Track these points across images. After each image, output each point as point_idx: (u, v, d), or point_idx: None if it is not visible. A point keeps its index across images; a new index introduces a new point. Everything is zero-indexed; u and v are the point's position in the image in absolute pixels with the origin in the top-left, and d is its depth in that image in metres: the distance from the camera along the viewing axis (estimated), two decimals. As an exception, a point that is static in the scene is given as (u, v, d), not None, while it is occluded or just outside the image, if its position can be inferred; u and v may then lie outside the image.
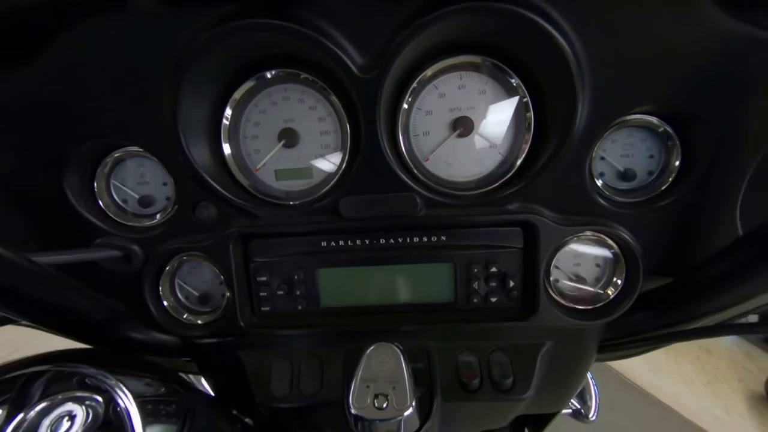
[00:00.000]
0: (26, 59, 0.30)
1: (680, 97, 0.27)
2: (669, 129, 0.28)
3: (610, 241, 0.29)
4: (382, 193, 0.30)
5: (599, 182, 0.30)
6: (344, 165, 0.32)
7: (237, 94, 0.33)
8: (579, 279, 0.31)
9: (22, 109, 0.31)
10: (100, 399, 0.28)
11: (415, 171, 0.31)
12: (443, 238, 0.29)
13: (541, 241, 0.28)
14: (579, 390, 0.53)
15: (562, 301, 0.30)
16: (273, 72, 0.32)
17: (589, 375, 0.53)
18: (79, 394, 0.28)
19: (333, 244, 0.31)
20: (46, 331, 0.37)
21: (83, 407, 0.27)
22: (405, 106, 0.31)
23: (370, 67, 0.29)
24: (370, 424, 0.24)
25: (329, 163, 0.32)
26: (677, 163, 0.28)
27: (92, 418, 0.27)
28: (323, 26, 0.29)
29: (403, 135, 0.31)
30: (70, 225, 0.32)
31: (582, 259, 0.30)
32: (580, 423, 0.61)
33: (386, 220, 0.30)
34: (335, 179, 0.32)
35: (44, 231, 0.33)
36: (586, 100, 0.27)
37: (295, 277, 0.32)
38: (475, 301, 0.30)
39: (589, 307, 0.30)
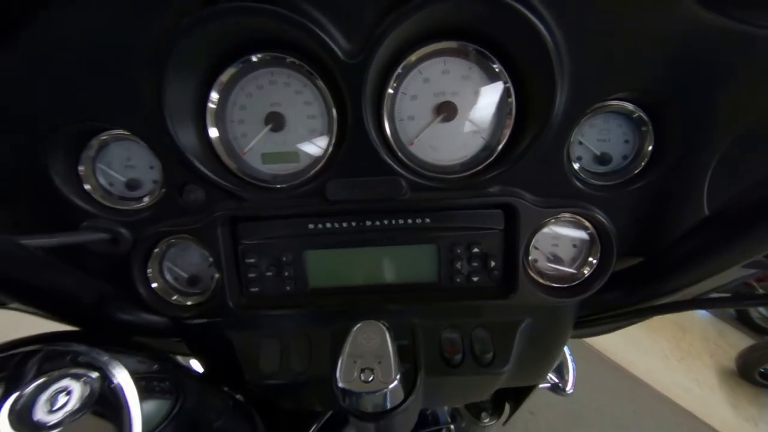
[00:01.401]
0: (3, 42, 0.29)
1: (654, 85, 0.28)
2: (643, 115, 0.29)
3: (587, 223, 0.30)
4: (368, 176, 0.30)
5: (576, 166, 0.31)
6: (331, 149, 0.33)
7: (223, 77, 0.33)
8: (556, 259, 0.32)
9: (2, 94, 0.31)
10: (95, 375, 0.29)
11: (400, 155, 0.31)
12: (427, 220, 0.30)
13: (521, 222, 0.29)
14: (557, 365, 0.55)
15: (540, 280, 0.32)
16: (259, 56, 0.32)
17: (567, 350, 0.56)
18: (74, 371, 0.28)
19: (320, 226, 0.31)
20: (35, 314, 0.37)
21: (80, 383, 0.28)
22: (390, 90, 0.31)
23: (355, 53, 0.29)
24: (357, 397, 0.25)
25: (316, 147, 0.33)
26: (650, 147, 0.29)
27: (89, 393, 0.28)
28: (309, 10, 0.29)
29: (388, 120, 0.31)
30: (57, 209, 0.32)
31: (559, 240, 0.31)
32: (557, 396, 0.67)
33: (372, 203, 0.31)
34: (322, 163, 0.33)
35: (31, 216, 0.33)
36: (564, 87, 0.27)
37: (284, 258, 0.32)
38: (458, 280, 0.31)
39: (565, 286, 0.31)
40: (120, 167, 0.35)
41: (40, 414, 0.25)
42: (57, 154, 0.32)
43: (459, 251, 0.30)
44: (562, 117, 0.28)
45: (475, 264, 0.30)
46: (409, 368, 0.29)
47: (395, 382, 0.25)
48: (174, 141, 0.30)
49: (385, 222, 0.31)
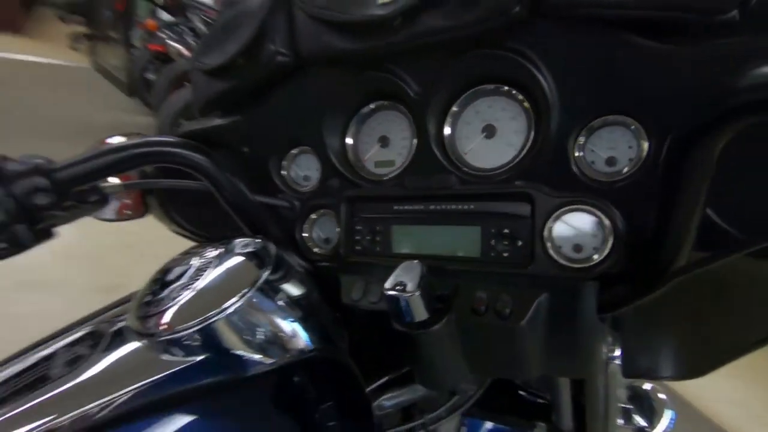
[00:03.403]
0: (252, 106, 0.49)
1: (637, 104, 0.35)
2: (638, 125, 0.35)
3: (599, 213, 0.36)
4: (434, 174, 0.42)
5: (589, 168, 0.38)
6: (410, 158, 0.44)
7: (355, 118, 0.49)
8: (577, 247, 0.39)
9: (252, 130, 0.51)
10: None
11: (456, 162, 0.42)
12: (472, 206, 0.40)
13: (537, 209, 0.37)
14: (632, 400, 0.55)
15: (559, 260, 0.39)
16: (372, 106, 0.47)
17: (664, 399, 0.55)
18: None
19: (401, 208, 0.43)
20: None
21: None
22: (448, 125, 0.43)
23: (423, 97, 0.42)
24: (396, 299, 0.36)
25: (402, 158, 0.45)
26: (647, 151, 0.35)
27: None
28: (396, 70, 0.43)
29: (448, 139, 0.43)
30: (267, 189, 0.51)
31: (579, 230, 0.37)
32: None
33: (435, 191, 0.42)
34: (405, 165, 0.44)
35: (256, 189, 0.50)
36: (557, 110, 0.37)
37: (377, 228, 0.44)
38: (492, 255, 0.39)
39: (578, 266, 0.37)
40: (301, 167, 0.51)
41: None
42: (274, 161, 0.50)
43: (494, 231, 0.39)
44: (558, 131, 0.37)
45: (506, 243, 0.38)
46: (440, 308, 0.38)
47: (417, 293, 0.35)
48: (329, 154, 0.46)
49: (443, 207, 0.41)
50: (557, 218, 0.38)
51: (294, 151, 0.51)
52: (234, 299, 0.34)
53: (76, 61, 5.48)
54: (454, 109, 0.43)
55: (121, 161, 0.40)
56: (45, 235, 0.39)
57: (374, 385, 0.48)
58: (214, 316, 0.33)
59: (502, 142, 0.41)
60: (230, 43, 0.44)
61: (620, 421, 0.51)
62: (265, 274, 0.37)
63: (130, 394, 0.32)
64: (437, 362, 0.40)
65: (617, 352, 0.43)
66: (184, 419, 0.32)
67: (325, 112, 0.47)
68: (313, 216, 0.50)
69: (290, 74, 0.46)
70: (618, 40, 0.34)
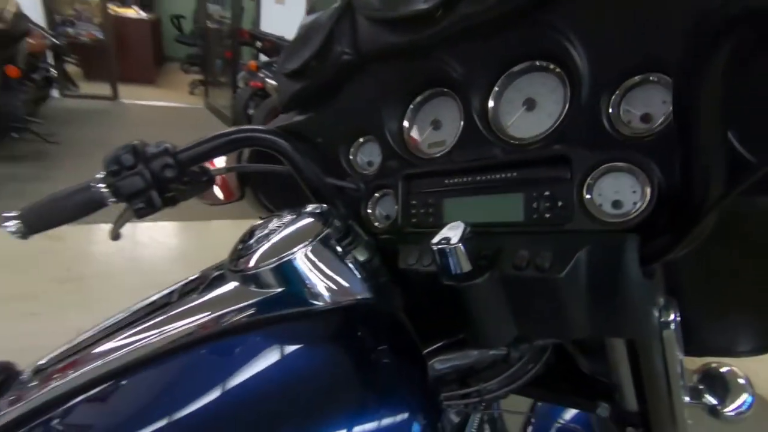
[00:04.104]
0: (323, 103, 0.58)
1: (666, 59, 0.35)
2: (670, 79, 0.35)
3: (636, 167, 0.36)
4: (480, 147, 0.45)
5: (625, 126, 0.37)
6: (459, 135, 0.48)
7: (411, 105, 0.54)
8: (617, 203, 0.37)
9: (328, 122, 0.59)
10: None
11: (499, 135, 0.45)
12: (514, 174, 0.42)
13: (574, 168, 0.38)
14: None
15: (597, 215, 0.40)
16: (427, 93, 0.53)
17: (743, 382, 0.51)
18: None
19: (451, 181, 0.47)
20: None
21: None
22: (493, 98, 0.46)
23: (469, 76, 0.47)
24: (442, 251, 0.38)
25: (453, 138, 0.49)
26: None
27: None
28: (442, 57, 0.48)
29: (492, 112, 0.46)
30: (335, 172, 0.58)
31: (619, 187, 0.37)
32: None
33: (481, 162, 0.45)
34: (454, 143, 0.48)
35: (326, 172, 0.58)
36: (588, 75, 0.38)
37: (430, 201, 0.48)
38: (535, 217, 0.40)
39: (619, 220, 0.37)
40: (366, 154, 0.58)
41: None
42: (343, 149, 0.58)
43: (535, 195, 0.40)
44: (591, 95, 0.38)
45: (547, 205, 0.39)
46: (484, 264, 0.39)
47: (461, 245, 0.37)
48: (389, 139, 0.53)
49: (488, 177, 0.44)
50: (595, 177, 0.39)
51: (360, 140, 0.59)
52: (301, 245, 0.42)
53: (193, 103, 6.47)
54: (496, 88, 0.46)
55: (224, 144, 0.51)
56: (170, 202, 0.51)
57: (428, 350, 0.52)
58: (284, 258, 0.41)
59: (542, 113, 0.44)
60: (305, 49, 0.54)
61: (687, 399, 0.47)
62: (327, 230, 0.44)
63: (224, 317, 0.40)
64: (484, 318, 0.42)
65: (672, 317, 0.41)
66: (261, 339, 0.39)
67: (384, 102, 0.54)
68: (377, 195, 0.56)
69: (354, 72, 0.54)
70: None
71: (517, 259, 0.41)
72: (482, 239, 0.43)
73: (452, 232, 0.41)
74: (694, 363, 0.51)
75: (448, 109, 0.52)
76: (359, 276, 0.45)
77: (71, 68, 5.38)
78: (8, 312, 1.90)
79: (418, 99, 0.54)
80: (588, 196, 0.39)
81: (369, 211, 0.57)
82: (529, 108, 0.45)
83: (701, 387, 0.48)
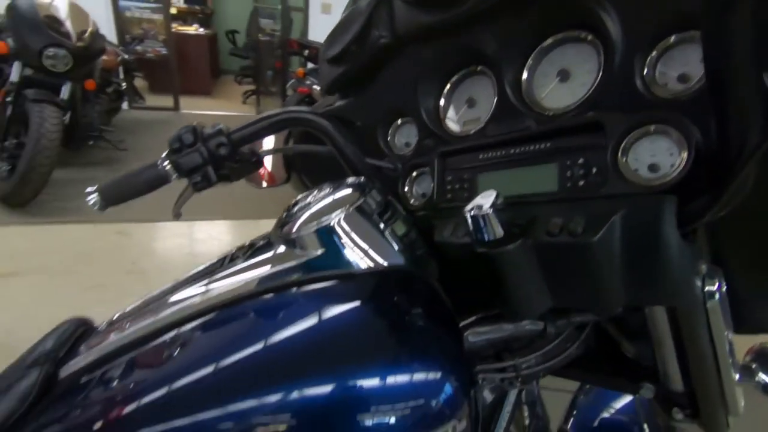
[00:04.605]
0: (363, 88, 0.61)
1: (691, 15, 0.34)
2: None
3: (672, 128, 0.34)
4: (514, 119, 0.46)
5: (662, 88, 0.36)
6: (492, 111, 0.49)
7: (447, 85, 0.56)
8: (653, 167, 0.36)
9: (367, 106, 0.62)
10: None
11: (533, 107, 0.45)
12: (548, 144, 0.42)
13: (611, 134, 0.37)
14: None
15: (634, 180, 0.36)
16: (464, 71, 0.54)
17: None
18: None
19: (485, 156, 0.48)
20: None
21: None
22: (526, 71, 0.46)
23: (502, 51, 0.47)
24: (474, 218, 0.39)
25: (486, 112, 0.50)
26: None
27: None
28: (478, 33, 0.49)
29: (526, 84, 0.46)
30: (373, 152, 0.61)
31: (656, 150, 0.35)
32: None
33: (514, 134, 0.45)
34: (488, 118, 0.49)
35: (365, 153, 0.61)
36: (622, 39, 0.38)
37: (465, 176, 0.49)
38: (569, 185, 0.39)
39: (656, 183, 0.35)
40: (403, 135, 0.61)
41: None
42: (381, 131, 0.62)
43: (569, 163, 0.39)
44: (625, 60, 0.37)
45: (582, 173, 0.38)
46: (519, 232, 0.39)
47: (490, 211, 0.38)
48: (425, 118, 0.55)
49: (522, 149, 0.44)
50: (630, 141, 0.38)
51: (398, 122, 0.61)
52: (338, 211, 0.44)
53: (246, 111, 6.82)
54: (530, 62, 0.47)
55: (272, 125, 0.55)
56: (224, 178, 0.56)
57: (463, 323, 0.53)
58: (323, 222, 0.44)
59: (576, 82, 0.44)
60: (345, 35, 0.57)
61: (737, 376, 0.44)
62: (363, 198, 0.46)
63: (270, 276, 0.44)
64: (518, 288, 0.42)
65: (716, 286, 0.40)
66: (302, 297, 0.42)
67: (421, 82, 0.56)
68: (413, 174, 0.58)
69: (392, 55, 0.56)
70: None
71: (550, 226, 0.40)
72: (516, 210, 0.44)
73: (484, 200, 0.41)
74: (746, 343, 0.48)
75: (483, 87, 0.53)
76: (397, 247, 0.47)
77: (139, 82, 5.88)
78: (82, 299, 2.11)
79: (454, 78, 0.55)
80: (623, 160, 0.39)
81: (406, 189, 0.59)
82: (563, 79, 0.46)
83: (754, 366, 0.45)
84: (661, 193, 0.36)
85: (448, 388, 0.40)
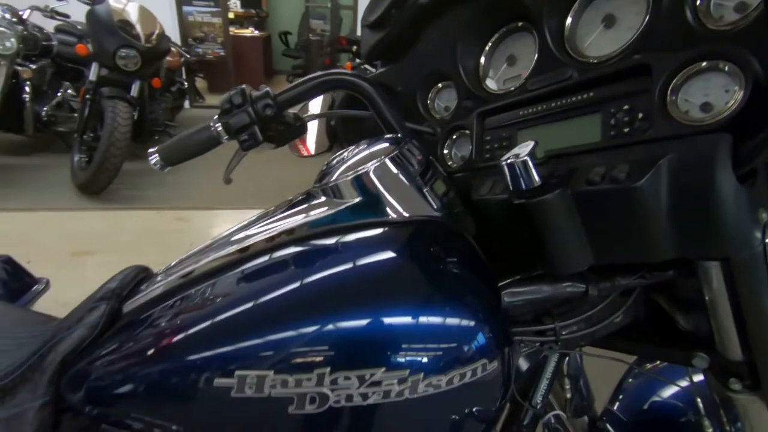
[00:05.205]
0: (404, 54, 0.63)
1: None
2: None
3: (727, 62, 0.31)
4: (556, 69, 0.44)
5: (716, 20, 0.33)
6: (534, 65, 0.48)
7: (487, 46, 0.55)
8: (707, 106, 0.33)
9: (406, 72, 0.64)
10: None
11: (576, 57, 0.43)
12: (591, 93, 0.40)
13: (658, 75, 0.35)
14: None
15: (684, 122, 0.34)
16: (504, 29, 0.54)
17: None
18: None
19: (525, 111, 0.47)
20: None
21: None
22: (570, 20, 0.46)
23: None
24: (511, 165, 0.39)
25: (527, 68, 0.49)
26: None
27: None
28: None
29: (569, 31, 0.45)
30: (413, 117, 0.62)
31: (709, 89, 0.33)
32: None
33: (556, 85, 0.44)
34: (529, 72, 0.48)
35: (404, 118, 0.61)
36: None
37: (504, 135, 0.49)
38: (613, 133, 0.37)
39: (708, 122, 0.32)
40: (443, 99, 0.62)
41: None
42: (421, 95, 0.63)
43: (612, 111, 0.37)
44: None
45: (627, 119, 0.36)
46: (558, 182, 0.38)
47: (528, 158, 0.37)
48: (464, 79, 0.55)
49: (563, 101, 0.43)
50: (681, 79, 0.36)
51: (439, 86, 0.61)
52: (374, 161, 0.45)
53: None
54: (575, 8, 0.45)
55: (315, 86, 0.57)
56: (270, 139, 0.59)
57: (501, 284, 0.52)
58: (360, 170, 0.45)
59: (622, 27, 0.42)
60: (385, 0, 0.58)
61: None
62: (398, 149, 0.47)
63: (312, 223, 0.46)
64: (557, 241, 0.41)
65: None
66: (341, 241, 0.44)
67: (462, 42, 0.55)
68: (453, 137, 0.58)
69: (431, 18, 0.56)
70: None
71: (591, 174, 0.38)
72: (556, 164, 0.42)
73: (522, 149, 0.41)
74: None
75: (523, 44, 0.52)
76: (435, 204, 0.47)
77: (199, 82, 6.26)
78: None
79: (495, 37, 0.55)
80: (673, 100, 0.37)
81: (445, 152, 0.59)
82: (608, 25, 0.44)
83: None
84: (713, 132, 0.34)
85: (480, 337, 0.40)
